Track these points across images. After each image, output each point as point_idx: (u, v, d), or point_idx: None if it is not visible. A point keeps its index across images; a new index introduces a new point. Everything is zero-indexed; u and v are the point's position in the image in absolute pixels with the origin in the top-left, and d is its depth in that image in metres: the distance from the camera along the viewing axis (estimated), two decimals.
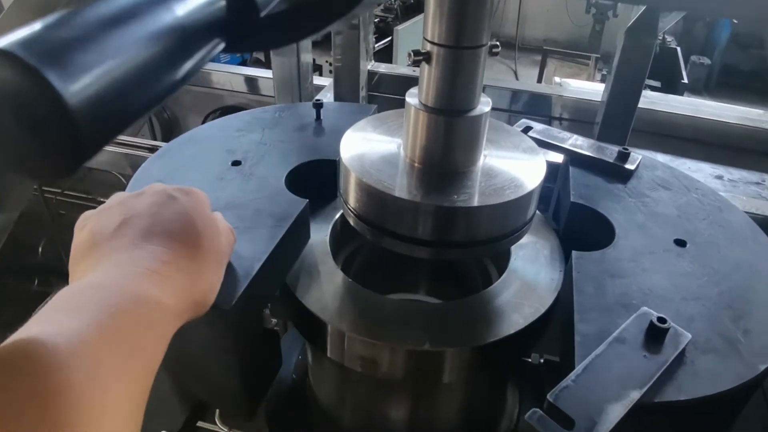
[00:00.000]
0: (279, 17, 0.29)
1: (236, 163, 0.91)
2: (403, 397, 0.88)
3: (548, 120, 2.00)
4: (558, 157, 1.02)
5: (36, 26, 0.18)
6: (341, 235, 0.94)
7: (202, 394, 0.83)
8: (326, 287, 0.80)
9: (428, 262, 0.98)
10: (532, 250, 0.87)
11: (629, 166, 0.95)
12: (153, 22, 0.22)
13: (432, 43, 0.68)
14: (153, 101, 0.23)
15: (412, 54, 0.70)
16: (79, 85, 0.17)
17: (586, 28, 6.92)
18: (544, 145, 1.01)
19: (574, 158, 0.98)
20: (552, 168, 0.98)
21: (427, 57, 0.69)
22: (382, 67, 1.74)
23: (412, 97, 0.74)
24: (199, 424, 1.06)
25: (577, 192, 0.89)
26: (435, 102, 0.71)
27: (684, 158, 1.77)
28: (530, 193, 0.73)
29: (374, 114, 0.93)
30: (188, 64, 0.24)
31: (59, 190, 2.31)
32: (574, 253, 0.77)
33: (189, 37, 0.23)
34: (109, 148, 1.90)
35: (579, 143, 1.01)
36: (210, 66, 2.20)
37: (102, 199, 2.25)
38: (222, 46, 0.26)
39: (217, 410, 1.08)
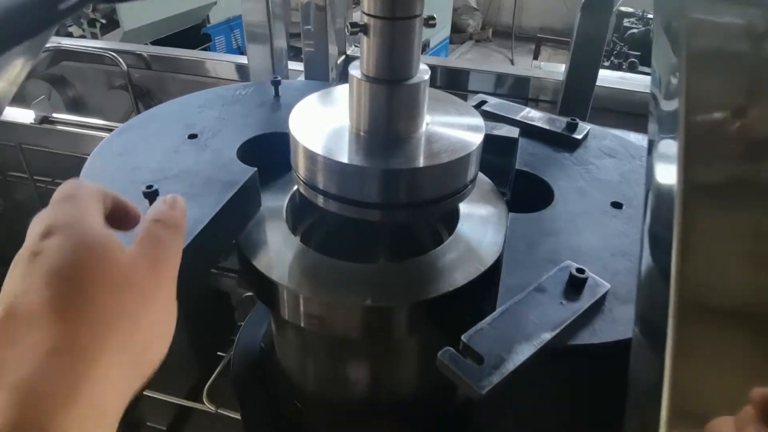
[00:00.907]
0: None
1: (192, 136, 0.94)
2: (356, 357, 0.92)
3: (525, 102, 2.04)
4: (516, 133, 1.05)
5: None
6: (300, 206, 0.97)
7: None
8: (279, 252, 0.84)
9: (383, 230, 1.01)
10: (480, 216, 0.91)
11: (576, 135, 0.98)
12: None
13: (368, 15, 0.71)
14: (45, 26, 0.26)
15: (349, 26, 0.73)
16: None
17: None
18: (496, 117, 1.05)
19: (524, 130, 1.01)
20: (509, 142, 1.02)
21: (364, 29, 0.73)
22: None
23: (355, 69, 0.77)
24: (188, 404, 1.10)
25: (522, 160, 0.93)
26: (375, 72, 0.75)
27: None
28: (469, 155, 0.76)
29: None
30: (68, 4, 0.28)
31: (50, 179, 2.34)
32: (510, 215, 0.80)
33: None
34: (96, 134, 1.93)
35: (531, 115, 1.04)
36: (192, 54, 2.24)
37: None
38: None
39: (205, 391, 1.13)
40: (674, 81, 0.40)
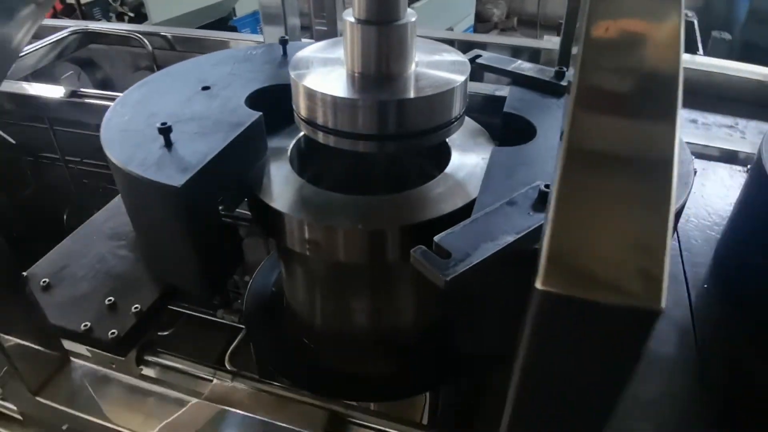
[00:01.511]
0: None
1: (205, 88, 1.02)
2: (353, 286, 0.99)
3: None
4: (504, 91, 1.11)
5: None
6: (304, 148, 1.05)
7: (168, 276, 0.95)
8: (283, 187, 0.91)
9: (379, 166, 1.08)
10: (469, 158, 0.97)
11: (563, 82, 1.03)
12: None
13: None
14: None
15: None
16: None
17: None
18: (489, 69, 1.11)
19: (516, 79, 1.07)
20: (501, 101, 1.08)
21: None
22: None
23: (348, 15, 0.84)
24: (210, 368, 1.19)
25: (510, 105, 0.98)
26: (365, 15, 0.82)
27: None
28: (453, 90, 0.82)
29: None
30: None
31: (79, 159, 2.46)
32: (493, 148, 0.86)
33: None
34: None
35: (523, 66, 1.09)
36: (211, 34, 2.33)
37: None
38: None
39: (229, 354, 1.22)
40: None
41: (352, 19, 0.83)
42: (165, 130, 0.85)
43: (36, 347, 0.75)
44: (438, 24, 5.28)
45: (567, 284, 0.36)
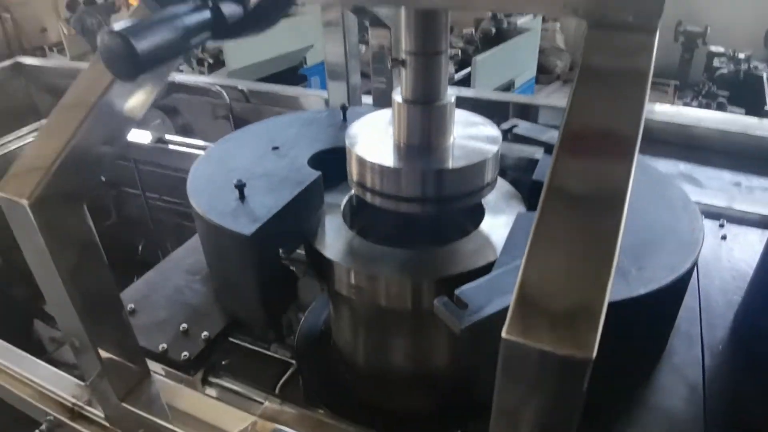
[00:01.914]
0: (239, 24, 0.55)
1: (275, 148, 1.19)
2: (393, 328, 1.11)
3: None
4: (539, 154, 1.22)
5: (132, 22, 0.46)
6: (354, 204, 1.19)
7: (233, 309, 1.10)
8: (335, 238, 1.05)
9: (420, 223, 1.21)
10: (500, 218, 1.08)
11: None
12: (177, 22, 0.49)
13: (406, 52, 0.93)
14: (171, 57, 0.50)
15: (391, 60, 0.96)
16: (143, 44, 0.45)
17: (671, 56, 6.88)
18: (524, 139, 1.23)
19: (548, 149, 1.19)
20: (533, 163, 1.20)
21: (403, 63, 0.95)
22: None
23: (396, 94, 0.99)
24: (260, 396, 1.33)
25: (540, 173, 1.10)
26: (411, 96, 0.96)
27: (706, 166, 1.89)
28: (485, 161, 0.95)
29: None
30: (191, 44, 0.52)
31: (157, 195, 2.71)
32: (518, 213, 0.98)
33: (190, 31, 0.50)
34: (200, 153, 2.27)
35: (555, 136, 1.21)
36: (283, 89, 2.56)
37: None
38: (209, 34, 0.53)
39: (280, 386, 1.36)
40: None
41: (400, 99, 0.98)
42: (240, 186, 1.01)
43: (124, 361, 0.91)
44: (500, 76, 5.42)
45: (521, 333, 0.47)
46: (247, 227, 0.94)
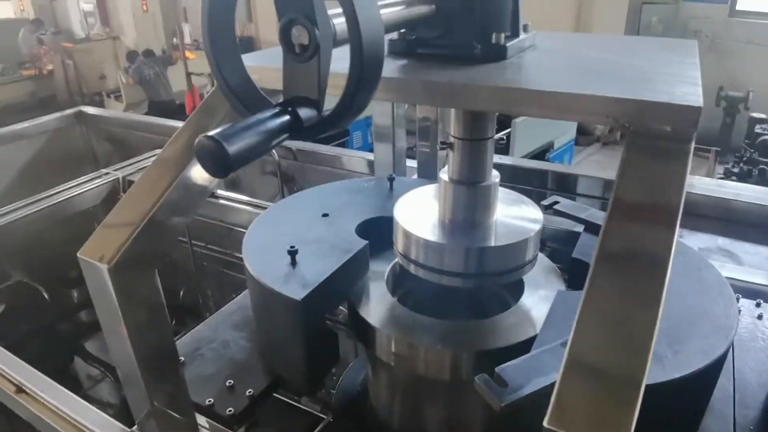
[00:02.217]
0: (315, 126, 0.63)
1: (325, 215, 1.27)
2: (431, 395, 1.14)
3: None
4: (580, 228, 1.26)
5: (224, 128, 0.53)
6: (398, 273, 1.24)
7: (278, 369, 1.15)
8: (378, 305, 1.10)
9: (461, 294, 1.25)
10: (539, 293, 1.12)
11: None
12: (262, 127, 0.57)
13: (453, 137, 1.00)
14: (256, 156, 0.57)
15: (440, 144, 1.03)
16: (234, 148, 0.52)
17: (714, 120, 6.86)
18: (564, 215, 1.27)
19: (587, 227, 1.23)
20: (572, 235, 1.24)
21: (450, 146, 1.01)
22: None
23: (443, 174, 1.05)
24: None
25: (579, 250, 1.14)
26: (458, 177, 1.03)
27: (744, 241, 1.88)
28: (527, 240, 1.00)
29: None
30: (272, 144, 0.59)
31: (203, 244, 2.81)
32: (558, 291, 1.01)
33: (274, 134, 0.58)
34: (243, 207, 2.38)
35: (595, 215, 1.25)
36: (331, 150, 2.67)
37: (237, 254, 2.76)
38: (287, 135, 0.60)
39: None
40: None
41: (446, 178, 1.04)
42: (292, 253, 1.08)
43: (176, 414, 0.96)
44: (539, 138, 5.47)
45: (562, 425, 0.51)
46: (297, 292, 0.99)
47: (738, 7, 7.57)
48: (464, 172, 1.01)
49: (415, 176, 1.93)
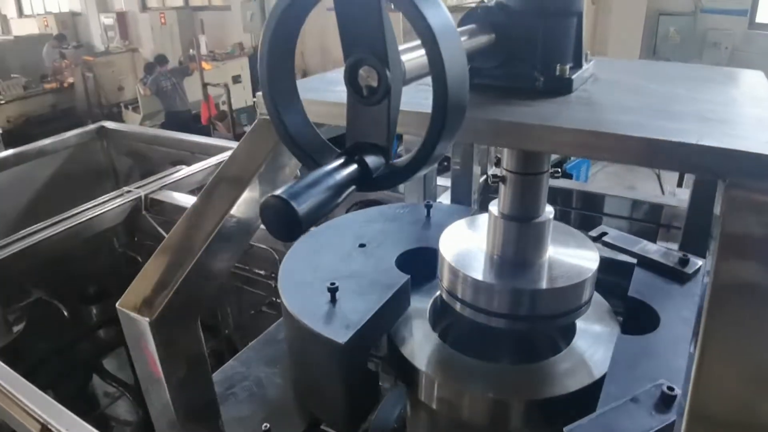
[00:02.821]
0: (385, 177, 0.57)
1: (362, 245, 1.21)
2: None
3: (657, 227, 2.14)
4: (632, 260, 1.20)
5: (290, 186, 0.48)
6: (440, 309, 1.18)
7: (316, 411, 1.09)
8: (422, 344, 1.04)
9: (508, 336, 1.18)
10: (595, 333, 1.05)
11: (687, 270, 1.11)
12: (330, 181, 0.51)
13: (507, 170, 0.94)
14: (325, 214, 0.52)
15: (491, 177, 0.97)
16: (303, 207, 0.47)
17: None
18: (615, 248, 1.21)
19: (641, 261, 1.16)
20: (627, 267, 1.17)
21: (503, 179, 0.96)
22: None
23: (493, 206, 1.00)
24: None
25: (635, 288, 1.07)
26: (509, 211, 0.97)
27: None
28: (583, 282, 0.93)
29: (472, 215, 1.20)
30: (340, 199, 0.54)
31: None
32: (618, 335, 0.95)
33: (342, 187, 0.52)
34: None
35: (647, 248, 1.18)
36: None
37: (256, 270, 2.71)
38: (354, 188, 0.55)
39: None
40: None
41: (497, 213, 0.98)
42: (333, 290, 1.02)
43: None
44: None
45: None
46: (340, 334, 0.94)
47: (758, 20, 7.47)
48: (517, 207, 0.95)
49: (448, 195, 1.88)
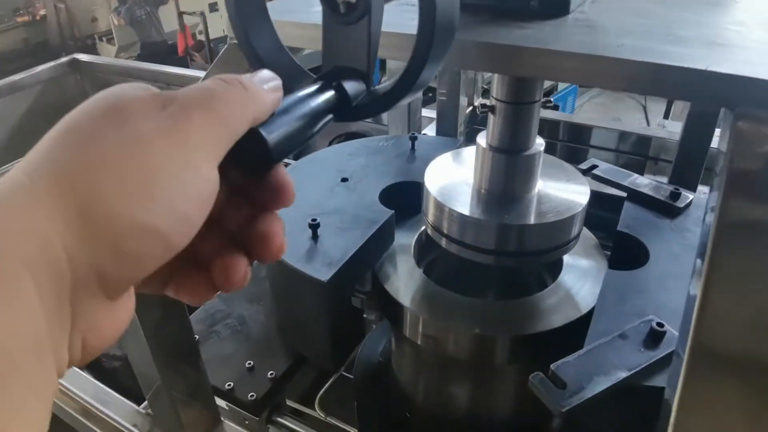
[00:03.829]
0: (365, 106, 0.52)
1: (344, 179, 1.17)
2: (460, 377, 1.07)
3: (645, 160, 2.11)
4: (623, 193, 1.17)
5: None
6: (425, 244, 1.16)
7: (300, 348, 1.08)
8: (407, 281, 1.02)
9: (494, 272, 1.17)
10: (582, 268, 1.04)
11: (679, 204, 1.08)
12: (305, 108, 0.46)
13: (496, 99, 0.89)
14: (300, 145, 0.46)
15: (479, 107, 0.91)
16: (273, 137, 0.41)
17: None
18: (605, 182, 1.18)
19: (631, 195, 1.13)
20: (617, 200, 1.15)
21: (492, 109, 0.90)
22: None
23: (481, 139, 0.95)
24: (300, 408, 1.31)
25: (624, 223, 1.05)
26: (498, 144, 0.92)
27: None
28: (573, 217, 0.90)
29: (458, 148, 1.15)
30: (316, 129, 0.48)
31: None
32: (606, 271, 0.93)
33: (318, 116, 0.47)
34: None
35: (638, 182, 1.15)
36: None
37: None
38: (331, 117, 0.50)
39: (318, 398, 1.34)
40: None
41: (485, 145, 0.93)
42: (314, 226, 0.98)
43: (197, 407, 0.90)
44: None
45: None
46: (322, 272, 0.91)
47: None
48: (506, 139, 0.91)
49: (433, 128, 1.82)
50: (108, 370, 2.78)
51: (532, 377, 0.71)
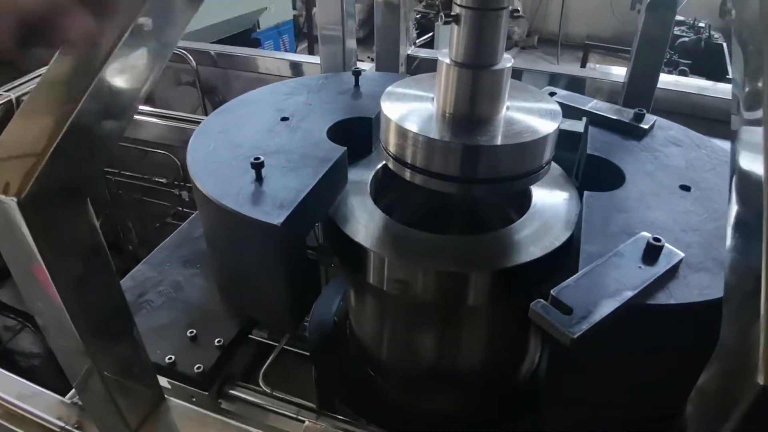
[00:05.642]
0: None
1: (285, 119, 1.03)
2: (430, 324, 0.98)
3: None
4: (580, 128, 1.10)
5: None
6: (383, 182, 1.04)
7: (251, 310, 0.95)
8: (367, 223, 0.91)
9: (458, 208, 1.08)
10: (552, 197, 0.96)
11: (644, 125, 1.03)
12: None
13: (460, 6, 0.78)
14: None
15: (443, 15, 0.80)
16: None
17: (630, 24, 6.87)
18: (565, 108, 1.10)
19: (593, 119, 1.07)
20: (574, 137, 1.08)
21: (456, 18, 0.80)
22: (422, 52, 1.86)
23: (443, 55, 0.84)
24: (246, 386, 1.18)
25: (594, 146, 0.98)
26: (463, 58, 0.82)
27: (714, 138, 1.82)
28: (545, 138, 0.82)
29: None
30: None
31: (117, 170, 2.47)
32: (585, 193, 0.86)
33: None
34: (162, 123, 2.07)
35: (599, 106, 1.09)
36: (258, 52, 2.35)
37: (157, 179, 2.44)
38: None
39: (261, 374, 1.21)
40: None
41: (448, 61, 0.83)
42: (257, 165, 0.85)
43: (135, 386, 0.75)
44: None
45: None
46: (274, 215, 0.78)
47: None
48: (472, 52, 0.81)
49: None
50: (26, 369, 2.51)
51: (533, 305, 0.62)
